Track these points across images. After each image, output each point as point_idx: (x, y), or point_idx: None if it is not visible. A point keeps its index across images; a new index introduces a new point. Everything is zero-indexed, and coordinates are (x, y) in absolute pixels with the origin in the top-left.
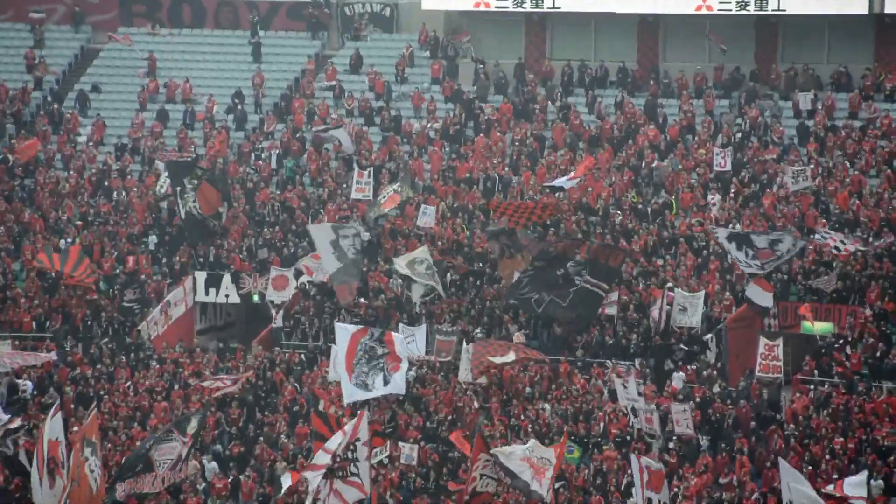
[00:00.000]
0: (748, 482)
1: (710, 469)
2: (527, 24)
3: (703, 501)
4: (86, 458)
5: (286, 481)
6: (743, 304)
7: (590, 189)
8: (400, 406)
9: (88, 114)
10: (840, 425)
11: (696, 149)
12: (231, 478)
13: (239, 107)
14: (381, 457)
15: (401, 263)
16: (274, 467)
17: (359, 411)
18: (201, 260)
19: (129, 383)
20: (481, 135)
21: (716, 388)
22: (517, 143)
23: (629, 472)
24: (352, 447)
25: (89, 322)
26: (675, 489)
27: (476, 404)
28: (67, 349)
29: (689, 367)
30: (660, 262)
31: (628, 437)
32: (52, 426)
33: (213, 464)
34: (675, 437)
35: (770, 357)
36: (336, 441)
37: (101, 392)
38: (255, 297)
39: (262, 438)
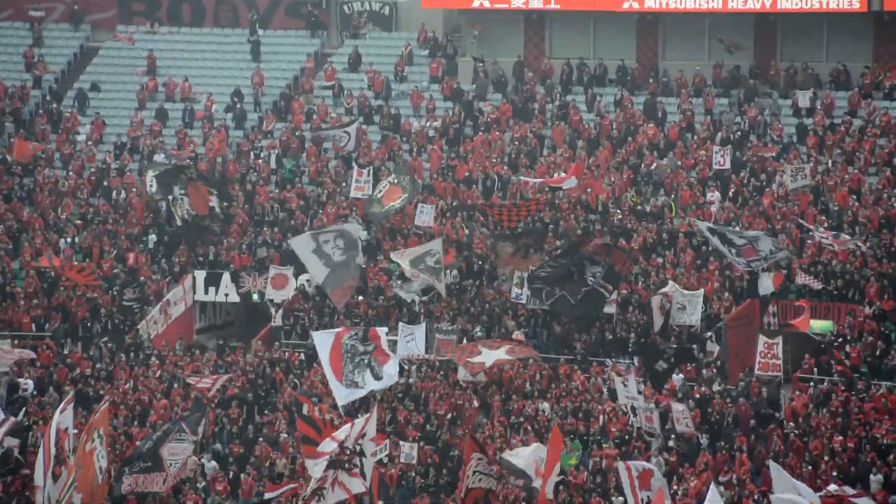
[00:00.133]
0: (748, 481)
1: (710, 467)
2: (526, 23)
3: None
4: (94, 446)
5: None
6: (742, 302)
7: (589, 189)
8: (400, 402)
9: (87, 112)
10: (839, 423)
11: (696, 148)
12: (231, 474)
13: (238, 105)
14: (380, 455)
15: (403, 259)
16: (274, 466)
17: (369, 411)
18: (201, 259)
19: (128, 383)
20: (480, 133)
21: (715, 387)
22: (516, 142)
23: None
24: (359, 443)
25: (88, 323)
26: (675, 488)
27: (476, 403)
28: (66, 349)
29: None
30: (659, 260)
31: (627, 437)
32: (65, 417)
33: (213, 463)
34: (672, 436)
35: (769, 355)
36: (344, 432)
37: (101, 391)
38: (255, 296)
39: (261, 438)
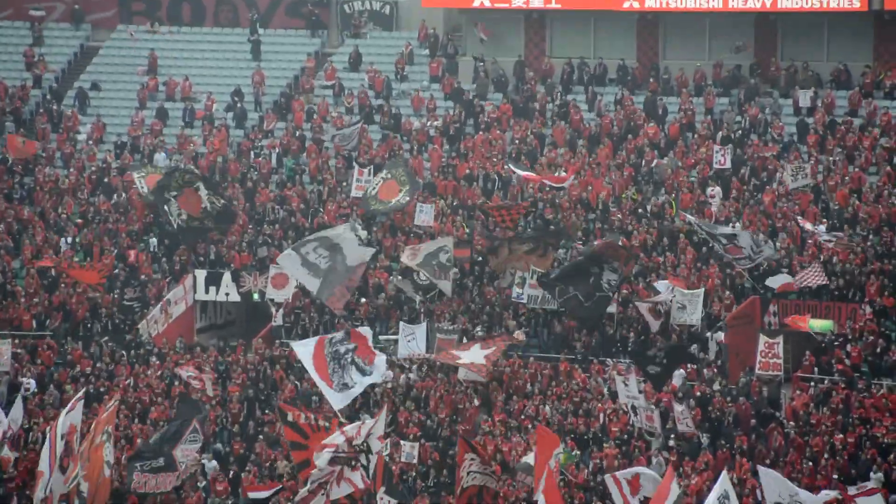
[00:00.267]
0: (748, 479)
1: (711, 467)
2: (526, 22)
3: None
4: (103, 441)
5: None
6: (742, 301)
7: (590, 187)
8: (401, 403)
9: (88, 112)
10: (840, 422)
11: (696, 147)
12: (231, 473)
13: (238, 105)
14: (384, 453)
15: (414, 259)
16: (275, 465)
17: (374, 413)
18: (201, 258)
19: (129, 381)
20: (481, 132)
21: (716, 386)
22: (517, 142)
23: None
24: (367, 441)
25: (88, 323)
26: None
27: (476, 402)
28: (67, 346)
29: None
30: (660, 259)
31: (626, 436)
32: (74, 414)
33: (214, 462)
34: (673, 435)
35: (770, 354)
36: (354, 429)
37: (101, 389)
38: (255, 296)
39: (262, 436)
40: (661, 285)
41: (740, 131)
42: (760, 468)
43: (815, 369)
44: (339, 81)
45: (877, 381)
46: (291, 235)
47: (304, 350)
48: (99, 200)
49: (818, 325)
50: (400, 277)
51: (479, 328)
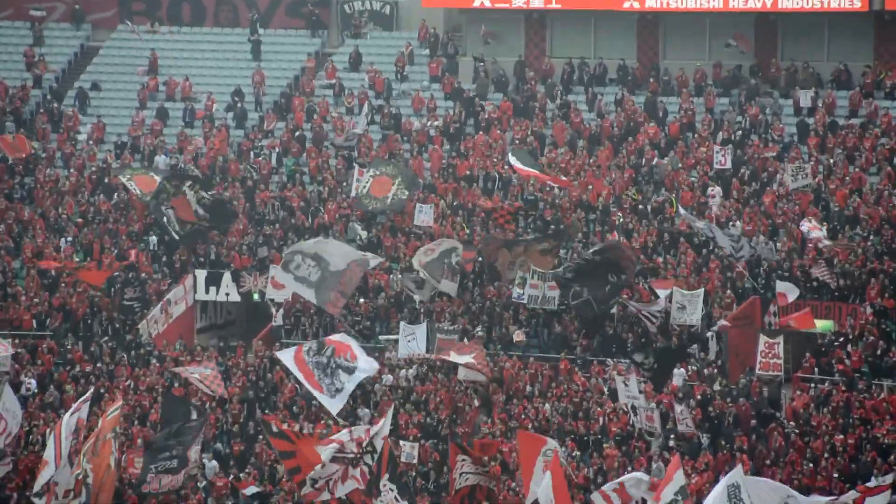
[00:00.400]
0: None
1: (711, 467)
2: (526, 22)
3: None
4: (110, 438)
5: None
6: (743, 301)
7: (590, 186)
8: (401, 406)
9: (88, 112)
10: (840, 423)
11: (697, 147)
12: (231, 476)
13: (239, 105)
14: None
15: (422, 258)
16: (275, 467)
17: (372, 408)
18: (201, 258)
19: (129, 381)
20: (481, 132)
21: (716, 386)
22: (517, 142)
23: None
24: (372, 442)
25: (89, 321)
26: None
27: (476, 402)
28: (67, 345)
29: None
30: (660, 259)
31: (625, 435)
32: (83, 411)
33: (214, 462)
34: (673, 436)
35: (770, 355)
36: (362, 430)
37: (102, 390)
38: (256, 296)
39: (261, 437)
40: (661, 292)
41: (740, 131)
42: (746, 478)
43: (816, 370)
44: (339, 81)
45: (877, 382)
46: (291, 236)
47: (287, 357)
48: (99, 200)
49: (819, 325)
50: (402, 275)
51: (479, 328)
